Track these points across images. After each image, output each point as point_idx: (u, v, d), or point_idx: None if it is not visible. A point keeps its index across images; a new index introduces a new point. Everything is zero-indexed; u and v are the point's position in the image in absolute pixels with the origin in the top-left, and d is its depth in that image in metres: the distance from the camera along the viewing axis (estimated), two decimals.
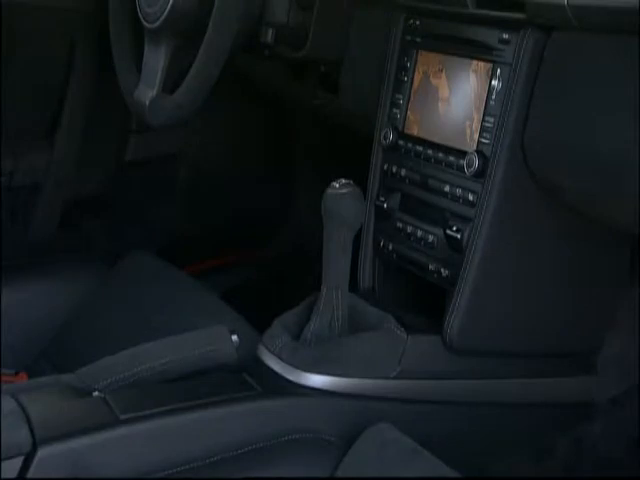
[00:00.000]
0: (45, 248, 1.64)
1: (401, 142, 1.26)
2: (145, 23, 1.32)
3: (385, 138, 1.28)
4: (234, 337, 1.14)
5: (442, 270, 1.19)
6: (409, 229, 1.25)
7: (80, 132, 1.62)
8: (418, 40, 1.25)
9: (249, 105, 1.78)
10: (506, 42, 1.12)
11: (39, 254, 1.61)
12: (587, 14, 1.00)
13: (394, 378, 1.15)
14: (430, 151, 1.22)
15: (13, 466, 0.94)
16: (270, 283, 1.86)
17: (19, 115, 1.57)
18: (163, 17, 1.27)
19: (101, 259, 1.49)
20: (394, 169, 1.28)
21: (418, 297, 1.28)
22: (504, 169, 1.12)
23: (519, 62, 1.10)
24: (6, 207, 1.59)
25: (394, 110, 1.28)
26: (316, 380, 1.13)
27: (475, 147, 1.15)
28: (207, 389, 1.09)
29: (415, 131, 1.25)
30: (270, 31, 1.34)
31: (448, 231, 1.17)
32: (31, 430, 0.97)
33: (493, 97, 1.13)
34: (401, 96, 1.27)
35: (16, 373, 1.35)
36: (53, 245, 1.65)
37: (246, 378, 1.13)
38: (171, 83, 1.32)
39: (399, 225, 1.26)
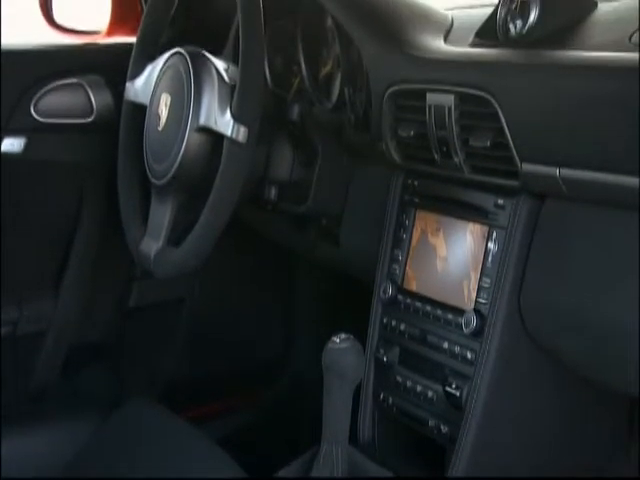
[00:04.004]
0: (46, 396, 1.64)
1: (400, 297, 1.28)
2: (152, 179, 1.35)
3: (384, 292, 1.30)
4: None
5: (442, 427, 1.20)
6: (409, 383, 1.25)
7: (87, 281, 1.64)
8: (416, 200, 1.28)
9: (251, 252, 1.81)
10: (501, 207, 1.14)
11: (40, 401, 1.61)
12: (580, 187, 1.02)
13: None
14: (429, 307, 1.24)
15: None
16: (270, 428, 1.86)
17: (25, 264, 1.59)
18: (170, 174, 1.30)
19: (101, 407, 1.49)
20: (393, 323, 1.29)
21: (419, 449, 1.28)
22: (502, 329, 1.14)
23: (514, 227, 1.12)
24: (8, 356, 1.59)
25: (393, 265, 1.30)
26: None
27: (473, 306, 1.17)
28: None
29: (414, 287, 1.27)
30: (273, 188, 1.38)
31: (447, 388, 1.18)
32: None
33: (489, 259, 1.15)
34: (400, 252, 1.29)
35: None
36: (54, 392, 1.65)
37: None
38: (176, 236, 1.34)
39: (399, 379, 1.27)
